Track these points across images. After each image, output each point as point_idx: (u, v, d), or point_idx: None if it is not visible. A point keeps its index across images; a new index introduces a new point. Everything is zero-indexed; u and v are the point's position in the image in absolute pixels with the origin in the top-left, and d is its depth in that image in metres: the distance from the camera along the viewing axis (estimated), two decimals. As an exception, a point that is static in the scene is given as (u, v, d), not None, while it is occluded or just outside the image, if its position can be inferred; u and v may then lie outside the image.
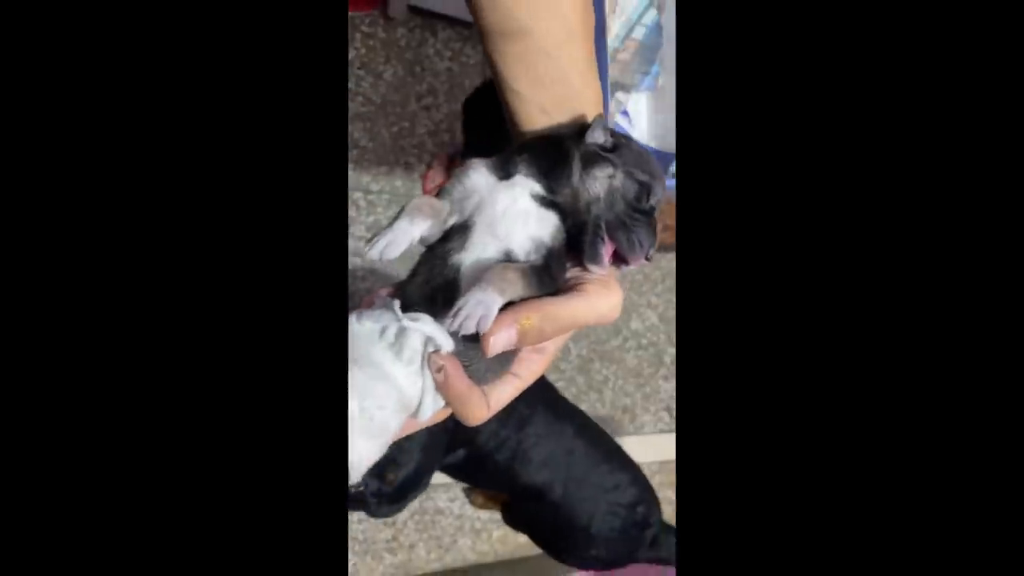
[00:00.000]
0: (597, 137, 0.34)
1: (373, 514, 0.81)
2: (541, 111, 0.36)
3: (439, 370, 0.30)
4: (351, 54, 1.17)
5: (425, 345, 0.30)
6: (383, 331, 0.30)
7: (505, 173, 0.34)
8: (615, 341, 1.36)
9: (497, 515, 1.08)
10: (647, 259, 0.34)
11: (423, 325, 0.30)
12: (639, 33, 0.69)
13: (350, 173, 1.14)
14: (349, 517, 0.99)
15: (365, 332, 0.30)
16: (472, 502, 1.14)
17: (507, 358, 0.33)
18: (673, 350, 1.39)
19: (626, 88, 0.72)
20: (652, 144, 0.72)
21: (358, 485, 0.77)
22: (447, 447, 0.78)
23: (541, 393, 0.83)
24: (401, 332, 0.30)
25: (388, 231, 0.31)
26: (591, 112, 0.36)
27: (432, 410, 0.31)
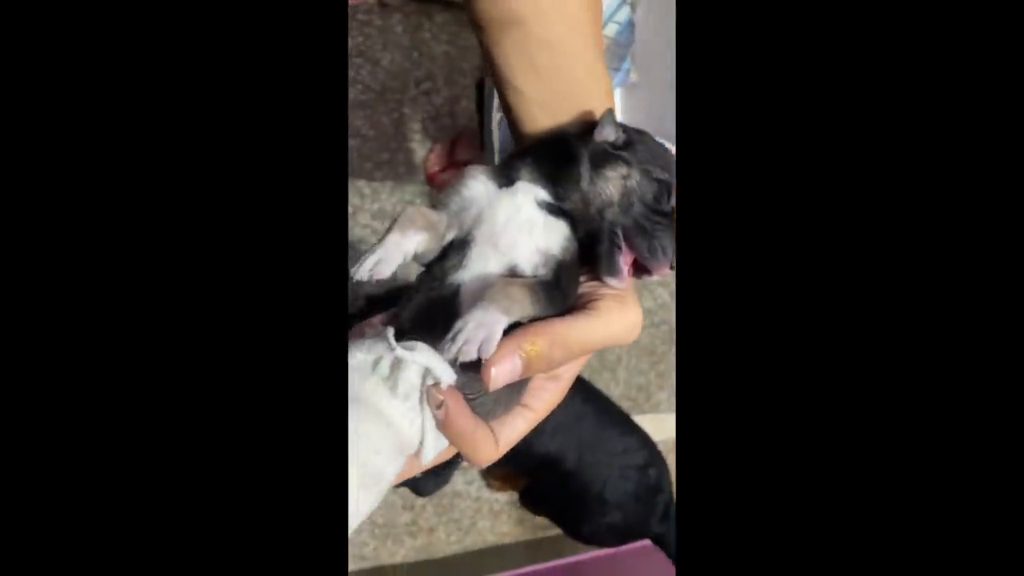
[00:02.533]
0: (607, 134, 0.31)
1: (421, 491, 0.81)
2: (543, 108, 0.33)
3: (439, 406, 0.27)
4: (349, 43, 1.19)
5: (423, 378, 0.27)
6: (376, 363, 0.27)
7: (507, 180, 0.31)
8: (627, 320, 1.37)
9: (515, 496, 1.11)
10: (672, 268, 0.30)
11: (419, 355, 0.27)
12: (611, 30, 0.71)
13: (353, 161, 1.17)
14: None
15: (356, 365, 0.27)
16: (489, 485, 1.18)
17: (517, 388, 0.30)
18: (686, 326, 1.40)
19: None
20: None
21: None
22: None
23: None
24: (396, 364, 0.27)
25: (378, 247, 0.28)
26: (599, 107, 0.33)
27: (435, 450, 0.28)
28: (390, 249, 0.28)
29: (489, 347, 0.26)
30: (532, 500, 0.95)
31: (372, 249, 0.28)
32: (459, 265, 0.29)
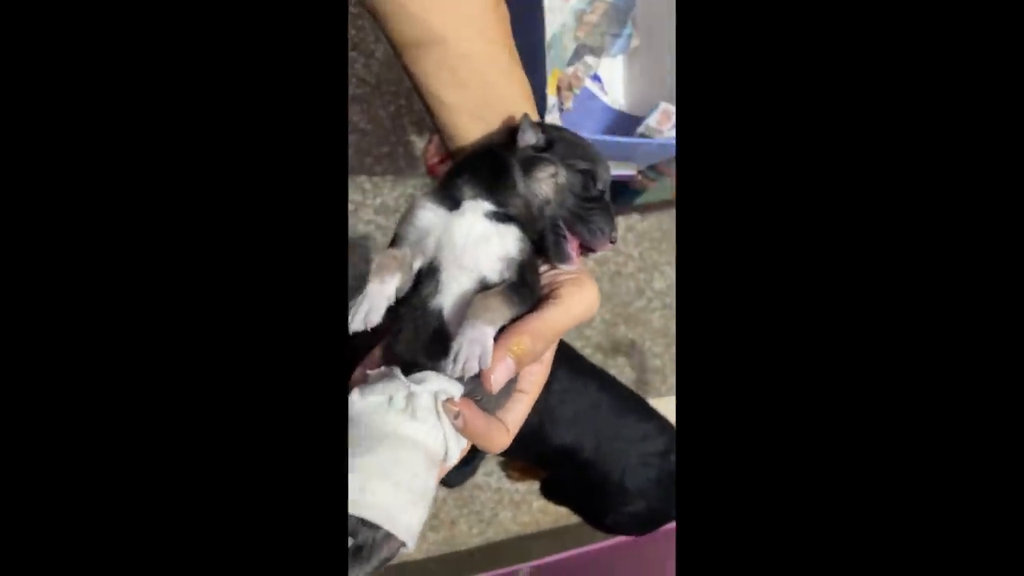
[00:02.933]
0: (528, 139, 0.35)
1: (450, 483, 0.83)
2: (473, 118, 0.36)
3: (457, 416, 0.31)
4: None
5: (435, 398, 0.31)
6: (390, 400, 0.31)
7: (453, 202, 0.34)
8: (639, 303, 1.36)
9: (535, 485, 1.10)
10: (612, 242, 0.35)
11: (430, 384, 0.31)
12: (611, -6, 0.69)
13: (352, 157, 1.15)
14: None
15: (371, 407, 0.31)
16: (508, 476, 1.17)
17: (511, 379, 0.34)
18: (699, 306, 1.38)
19: (595, 52, 0.72)
20: (625, 108, 0.72)
21: None
22: None
23: (560, 352, 0.84)
24: (409, 396, 0.30)
25: (363, 299, 0.31)
26: (521, 109, 0.36)
27: (458, 451, 0.32)
28: (375, 297, 0.31)
29: (486, 358, 0.30)
30: (552, 492, 0.94)
31: (359, 302, 0.32)
32: (435, 291, 0.33)
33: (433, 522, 1.16)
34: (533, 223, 0.34)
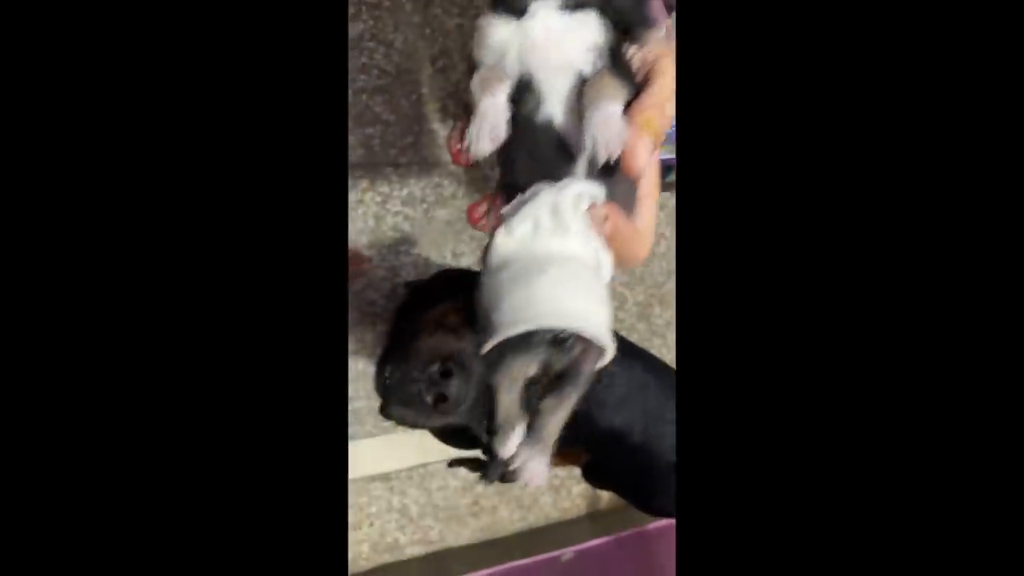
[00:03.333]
0: None
1: (490, 478, 0.82)
2: None
3: (605, 219, 0.30)
4: (360, 28, 1.16)
5: (576, 206, 0.30)
6: (535, 225, 0.30)
7: (519, 10, 0.33)
8: (671, 284, 1.33)
9: (575, 471, 1.09)
10: None
11: (571, 189, 0.30)
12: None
13: (376, 148, 1.15)
14: (429, 485, 1.03)
15: (519, 239, 0.30)
16: (547, 461, 1.16)
17: (632, 184, 0.33)
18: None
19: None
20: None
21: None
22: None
23: None
24: (553, 210, 0.29)
25: (479, 119, 0.30)
26: None
27: (609, 264, 0.32)
28: (491, 113, 0.30)
29: (624, 134, 0.29)
30: (596, 475, 0.93)
31: (475, 124, 0.30)
32: (537, 103, 0.32)
33: (474, 508, 1.16)
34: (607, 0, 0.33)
